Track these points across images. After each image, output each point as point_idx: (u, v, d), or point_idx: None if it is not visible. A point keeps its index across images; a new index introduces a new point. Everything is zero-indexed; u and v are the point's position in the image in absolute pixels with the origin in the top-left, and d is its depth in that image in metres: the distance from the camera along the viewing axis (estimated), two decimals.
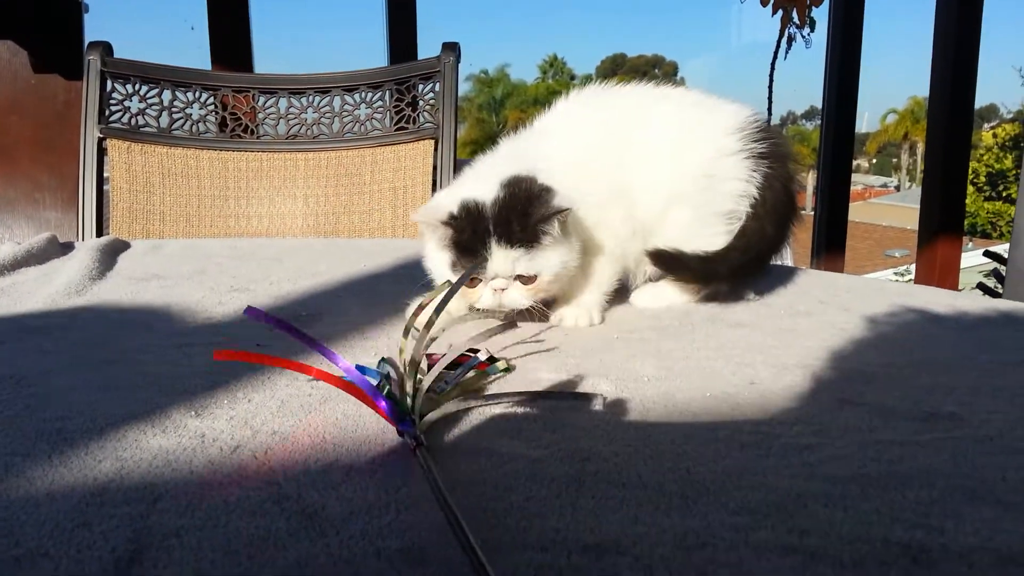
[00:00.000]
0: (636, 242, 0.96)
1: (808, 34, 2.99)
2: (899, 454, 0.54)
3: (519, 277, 0.87)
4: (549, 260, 0.86)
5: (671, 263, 0.96)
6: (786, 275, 1.11)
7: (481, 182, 0.89)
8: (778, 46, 2.98)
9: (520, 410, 0.63)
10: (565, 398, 0.66)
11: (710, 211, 0.97)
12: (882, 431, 0.58)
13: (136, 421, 0.60)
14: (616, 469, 0.52)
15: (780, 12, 2.93)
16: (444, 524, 0.43)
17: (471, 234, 0.86)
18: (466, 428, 0.60)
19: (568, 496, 0.48)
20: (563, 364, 0.75)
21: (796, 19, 2.95)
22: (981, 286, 4.29)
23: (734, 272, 0.97)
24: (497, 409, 0.63)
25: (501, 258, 0.86)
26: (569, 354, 0.78)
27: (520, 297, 0.87)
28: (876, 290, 1.05)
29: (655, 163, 0.96)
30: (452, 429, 0.59)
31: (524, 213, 0.85)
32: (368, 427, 0.59)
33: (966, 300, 0.98)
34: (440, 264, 0.90)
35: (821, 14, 3.12)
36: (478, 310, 0.89)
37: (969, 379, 0.69)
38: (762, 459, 0.53)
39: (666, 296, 0.98)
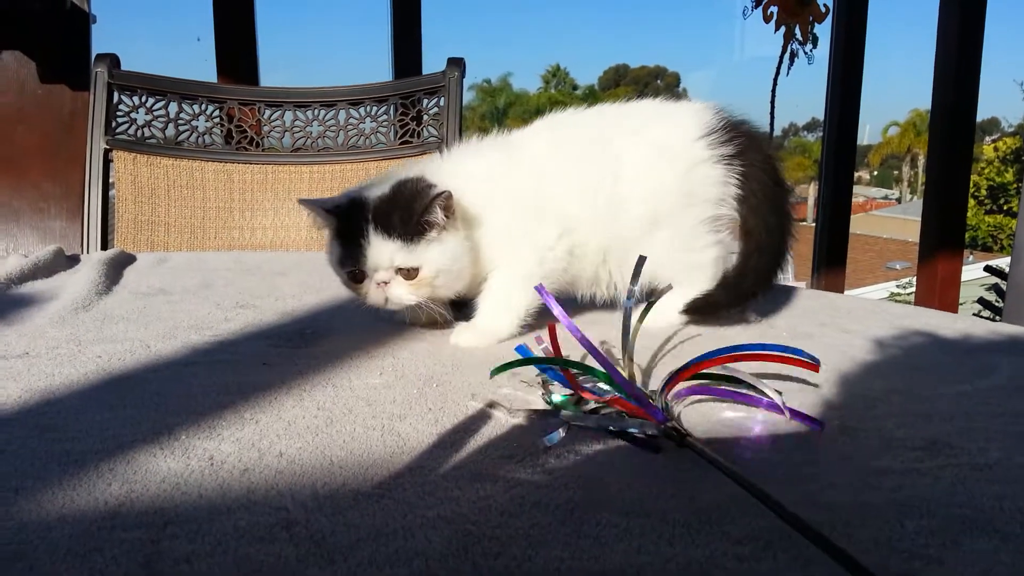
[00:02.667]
0: (591, 262, 0.97)
1: (811, 50, 3.00)
2: (899, 483, 0.55)
3: (401, 271, 0.88)
4: (430, 253, 0.87)
5: (705, 309, 0.97)
6: (788, 296, 1.12)
7: (378, 184, 0.92)
8: (780, 62, 3.00)
9: (521, 433, 0.64)
10: None
11: (693, 224, 0.97)
12: (882, 458, 0.59)
13: (145, 443, 0.60)
14: (620, 496, 0.52)
15: (783, 28, 2.95)
16: (450, 550, 0.44)
17: (352, 224, 0.88)
18: (471, 450, 0.61)
19: (572, 524, 0.48)
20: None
21: (799, 35, 2.96)
22: (982, 301, 4.29)
23: (761, 279, 0.98)
24: (497, 431, 0.64)
25: (378, 248, 0.87)
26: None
27: (405, 293, 0.88)
28: (876, 311, 1.06)
29: (622, 185, 0.96)
30: (452, 453, 0.60)
31: (406, 207, 0.87)
32: (375, 450, 0.60)
33: (966, 323, 0.98)
34: (331, 260, 0.92)
35: (824, 30, 3.14)
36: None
37: (968, 405, 0.70)
38: (764, 486, 0.54)
39: (667, 317, 0.99)
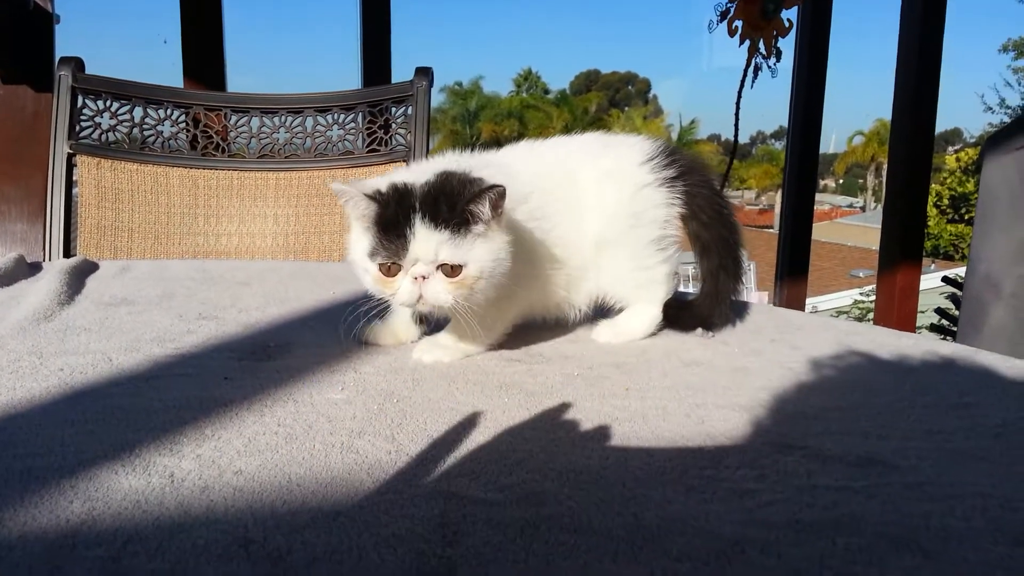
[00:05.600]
0: (555, 287, 0.99)
1: (774, 64, 3.06)
2: (833, 500, 0.58)
3: (443, 268, 0.83)
4: (477, 251, 0.83)
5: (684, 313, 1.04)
6: (743, 312, 1.15)
7: (414, 173, 0.88)
8: (744, 75, 3.05)
9: (477, 449, 0.66)
10: None
11: (642, 244, 1.01)
12: (819, 476, 0.62)
13: (106, 459, 0.61)
14: (569, 513, 0.55)
15: (747, 42, 3.01)
16: (402, 568, 0.46)
17: (395, 211, 0.82)
18: (427, 467, 0.62)
19: (522, 541, 0.51)
20: (524, 403, 0.78)
21: (763, 49, 3.02)
22: (939, 311, 4.40)
23: (731, 280, 1.04)
24: (453, 448, 0.66)
25: (424, 239, 0.81)
26: (530, 392, 0.81)
27: (442, 291, 0.82)
28: (827, 328, 1.10)
29: (580, 212, 0.99)
30: (409, 470, 0.62)
31: (454, 194, 0.82)
32: (333, 467, 0.62)
33: (911, 340, 1.02)
34: (359, 252, 0.85)
35: (788, 43, 3.20)
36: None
37: (904, 423, 0.73)
38: (706, 504, 0.57)
39: (626, 332, 1.02)
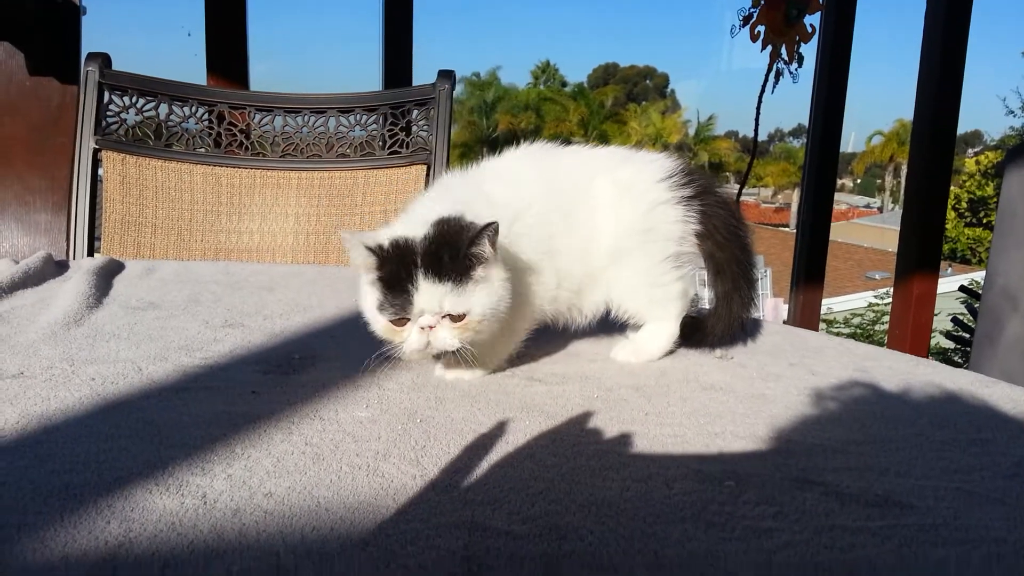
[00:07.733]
0: (565, 293, 1.00)
1: (796, 69, 3.05)
2: (850, 542, 0.59)
3: (448, 316, 0.86)
4: (479, 298, 0.86)
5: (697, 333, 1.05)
6: (759, 332, 1.16)
7: (412, 224, 0.89)
8: (766, 80, 3.05)
9: (501, 477, 0.67)
10: None
11: (657, 260, 1.02)
12: (837, 515, 0.62)
13: (140, 477, 0.63)
14: (590, 549, 0.56)
15: (769, 47, 3.00)
16: None
17: (397, 268, 0.85)
18: (452, 494, 0.64)
19: None
20: (545, 425, 0.79)
21: (784, 55, 3.01)
22: (956, 320, 4.38)
23: (744, 303, 1.05)
24: (477, 475, 0.67)
25: (428, 293, 0.84)
26: (550, 414, 0.82)
27: (449, 337, 0.86)
28: (843, 352, 1.10)
29: (594, 222, 1.00)
30: (434, 497, 0.63)
31: (453, 244, 0.85)
32: (360, 491, 0.63)
33: (927, 369, 1.03)
34: (368, 306, 0.88)
35: (810, 48, 3.19)
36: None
37: (923, 459, 0.74)
38: (725, 542, 0.58)
39: (645, 351, 1.03)
